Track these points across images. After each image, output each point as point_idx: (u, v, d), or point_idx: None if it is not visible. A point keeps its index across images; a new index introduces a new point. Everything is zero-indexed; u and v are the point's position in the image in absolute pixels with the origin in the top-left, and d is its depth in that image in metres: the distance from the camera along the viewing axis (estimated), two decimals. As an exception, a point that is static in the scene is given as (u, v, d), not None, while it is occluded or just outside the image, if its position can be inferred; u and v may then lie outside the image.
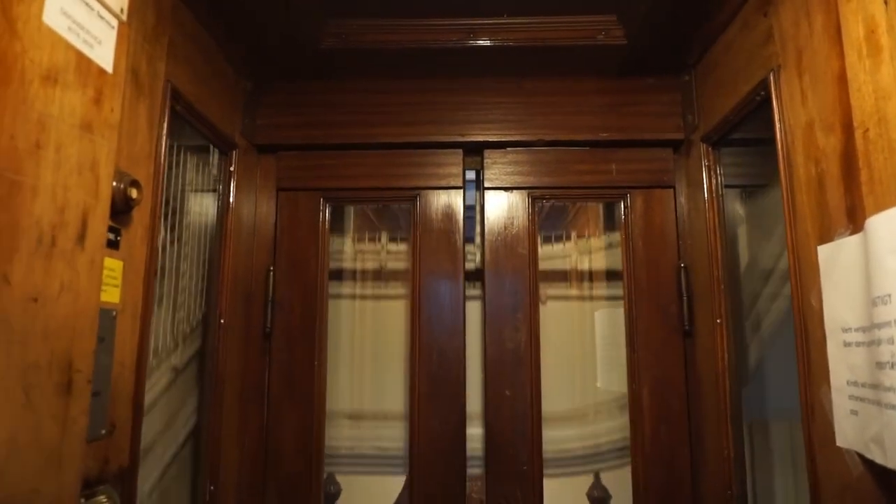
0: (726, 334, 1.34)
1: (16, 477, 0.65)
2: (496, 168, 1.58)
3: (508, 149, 1.58)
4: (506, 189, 1.58)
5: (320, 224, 1.58)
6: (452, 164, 1.58)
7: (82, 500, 0.87)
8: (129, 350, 1.01)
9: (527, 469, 1.48)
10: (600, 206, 1.71)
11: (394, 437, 1.60)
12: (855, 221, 0.86)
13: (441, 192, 1.58)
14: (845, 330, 0.88)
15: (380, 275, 1.68)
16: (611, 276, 1.65)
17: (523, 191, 1.57)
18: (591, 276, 1.67)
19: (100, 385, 0.93)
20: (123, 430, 0.99)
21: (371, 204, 1.70)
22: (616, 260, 1.60)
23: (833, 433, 0.92)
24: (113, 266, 0.97)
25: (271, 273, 1.55)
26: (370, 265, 1.69)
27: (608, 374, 1.59)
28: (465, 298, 1.55)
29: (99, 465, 0.93)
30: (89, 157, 0.78)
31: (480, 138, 1.56)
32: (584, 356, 1.62)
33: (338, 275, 1.67)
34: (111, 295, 0.96)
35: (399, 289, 1.65)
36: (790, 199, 1.04)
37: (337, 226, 1.68)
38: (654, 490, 1.44)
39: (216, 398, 1.35)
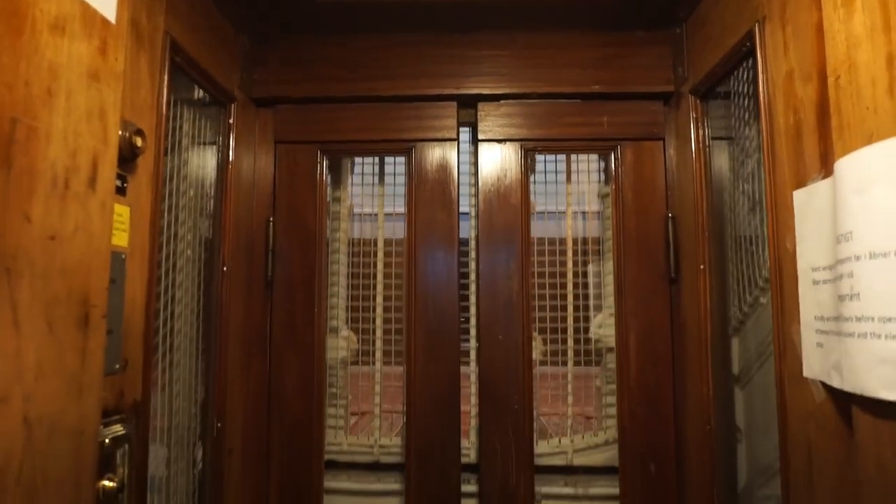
0: (709, 280, 1.40)
1: (44, 399, 0.71)
2: (489, 120, 1.61)
3: (502, 101, 1.61)
4: (499, 141, 1.61)
5: (318, 176, 1.62)
6: (447, 116, 1.61)
7: (102, 427, 0.94)
8: (139, 292, 1.06)
9: (518, 409, 1.55)
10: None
11: None
12: (827, 166, 0.90)
13: (436, 144, 1.61)
14: (815, 269, 0.94)
15: (374, 467, 1.67)
16: (609, 471, 1.62)
17: (516, 143, 1.61)
18: (588, 470, 1.65)
19: (113, 323, 0.99)
20: (136, 366, 1.05)
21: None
22: (612, 456, 1.60)
23: (801, 366, 0.98)
24: (121, 212, 1.01)
25: (271, 224, 1.60)
26: (363, 458, 1.68)
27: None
28: (459, 251, 1.60)
29: (115, 398, 1.00)
30: (97, 105, 0.82)
31: (474, 91, 1.58)
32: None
33: (332, 465, 1.65)
34: (120, 239, 1.01)
35: (393, 484, 1.65)
36: (770, 148, 1.08)
37: (332, 401, 1.69)
38: (638, 426, 1.53)
39: (221, 341, 1.41)
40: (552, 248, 1.72)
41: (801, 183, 0.99)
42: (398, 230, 1.70)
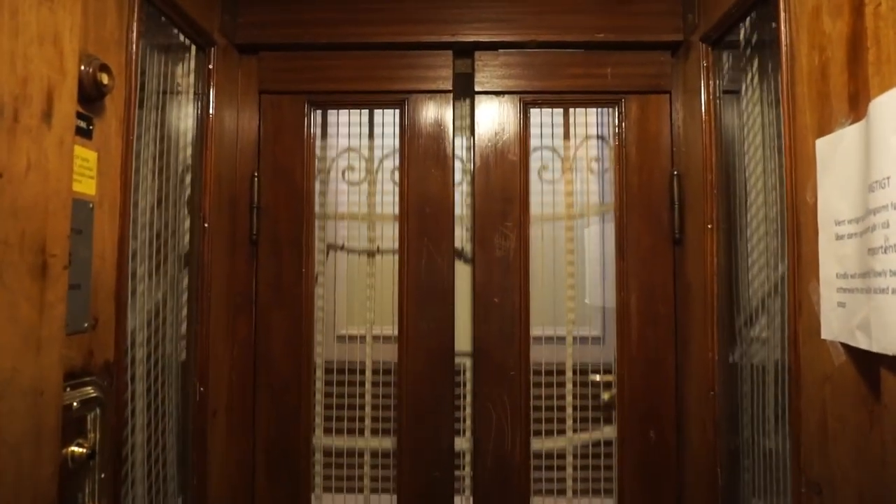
0: (716, 240, 1.33)
1: (-8, 353, 0.64)
2: (487, 71, 1.52)
3: (500, 51, 1.51)
4: (497, 93, 1.52)
5: (306, 129, 1.53)
6: (442, 66, 1.51)
7: (68, 389, 0.87)
8: (110, 245, 0.98)
9: (514, 374, 1.50)
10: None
11: None
12: (857, 109, 0.83)
13: (430, 95, 1.52)
14: (838, 223, 0.87)
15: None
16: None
17: (515, 95, 1.52)
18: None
19: (79, 278, 0.91)
20: (107, 324, 0.98)
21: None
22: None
23: (818, 327, 0.92)
24: (87, 156, 0.93)
25: (255, 179, 1.51)
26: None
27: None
28: (454, 206, 1.52)
29: (84, 358, 0.93)
30: (51, 29, 0.73)
31: (471, 38, 1.49)
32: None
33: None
34: (86, 186, 0.93)
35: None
36: (790, 93, 1.01)
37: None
38: (638, 390, 1.48)
39: (203, 300, 1.34)
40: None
41: (824, 130, 0.91)
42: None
